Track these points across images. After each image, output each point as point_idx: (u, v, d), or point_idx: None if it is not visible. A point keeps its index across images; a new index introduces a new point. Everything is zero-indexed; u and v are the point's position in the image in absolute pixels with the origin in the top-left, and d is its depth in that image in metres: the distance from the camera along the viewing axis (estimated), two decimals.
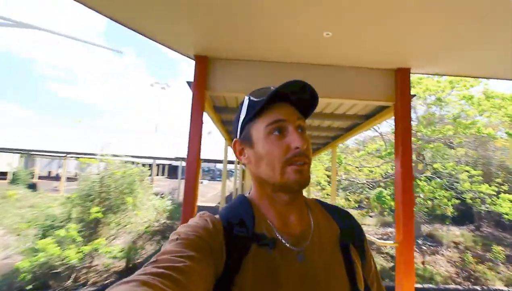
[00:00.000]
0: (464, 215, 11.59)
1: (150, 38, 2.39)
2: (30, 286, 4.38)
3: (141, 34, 2.34)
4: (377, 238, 9.63)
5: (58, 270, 4.67)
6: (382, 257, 9.11)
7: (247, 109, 0.64)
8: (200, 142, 2.63)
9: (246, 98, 0.66)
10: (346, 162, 12.34)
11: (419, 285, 7.00)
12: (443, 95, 8.11)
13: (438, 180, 8.94)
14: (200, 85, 2.74)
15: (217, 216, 0.62)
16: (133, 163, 6.15)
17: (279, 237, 0.60)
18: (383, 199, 9.99)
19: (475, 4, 1.94)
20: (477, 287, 6.89)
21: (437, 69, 4.55)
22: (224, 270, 0.53)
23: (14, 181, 14.68)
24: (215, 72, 2.90)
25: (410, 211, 3.02)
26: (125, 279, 0.41)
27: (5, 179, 21.06)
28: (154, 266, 0.43)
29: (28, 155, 19.25)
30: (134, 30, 2.28)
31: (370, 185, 11.82)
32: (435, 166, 9.32)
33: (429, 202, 8.98)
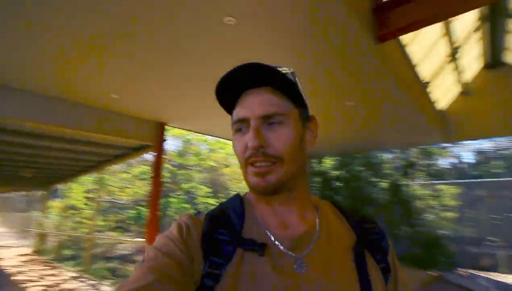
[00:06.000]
0: None
1: None
2: None
3: None
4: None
5: None
6: None
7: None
8: None
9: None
10: (109, 183, 12.72)
11: None
12: (190, 135, 11.40)
13: (183, 196, 11.81)
14: None
15: (200, 216, 0.56)
16: None
17: (274, 240, 0.51)
18: (142, 216, 11.38)
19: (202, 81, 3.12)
20: None
21: (186, 126, 6.78)
22: (202, 278, 0.47)
23: None
24: None
25: (156, 215, 4.66)
26: None
27: None
28: None
29: None
30: None
31: (131, 205, 12.89)
32: (183, 186, 12.21)
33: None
